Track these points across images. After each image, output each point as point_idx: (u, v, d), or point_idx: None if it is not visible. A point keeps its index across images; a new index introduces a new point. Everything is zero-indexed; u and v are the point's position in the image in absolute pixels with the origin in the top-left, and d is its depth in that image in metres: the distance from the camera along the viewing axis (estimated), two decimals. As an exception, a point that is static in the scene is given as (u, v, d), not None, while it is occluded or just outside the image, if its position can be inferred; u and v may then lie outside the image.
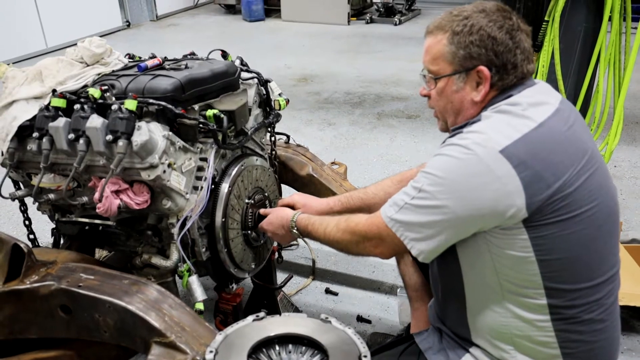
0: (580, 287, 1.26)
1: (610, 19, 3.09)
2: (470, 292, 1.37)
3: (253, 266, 2.03)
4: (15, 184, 1.88)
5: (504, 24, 1.27)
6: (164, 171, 1.62)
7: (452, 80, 1.32)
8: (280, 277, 2.44)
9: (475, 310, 1.37)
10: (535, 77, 1.48)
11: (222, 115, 1.77)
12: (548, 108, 1.27)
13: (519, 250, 1.23)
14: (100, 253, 2.15)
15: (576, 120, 1.31)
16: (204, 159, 1.79)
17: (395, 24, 8.40)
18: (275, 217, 1.73)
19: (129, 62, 1.96)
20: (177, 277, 1.82)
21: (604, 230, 1.27)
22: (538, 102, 1.28)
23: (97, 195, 1.60)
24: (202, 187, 1.75)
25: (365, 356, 1.10)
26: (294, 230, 1.63)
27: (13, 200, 1.83)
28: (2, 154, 1.75)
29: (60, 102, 1.66)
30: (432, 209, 1.24)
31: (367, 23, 8.55)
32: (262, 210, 1.79)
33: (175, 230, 1.71)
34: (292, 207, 1.84)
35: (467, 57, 1.28)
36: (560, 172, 1.19)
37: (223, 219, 1.82)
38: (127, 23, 8.54)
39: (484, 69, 1.27)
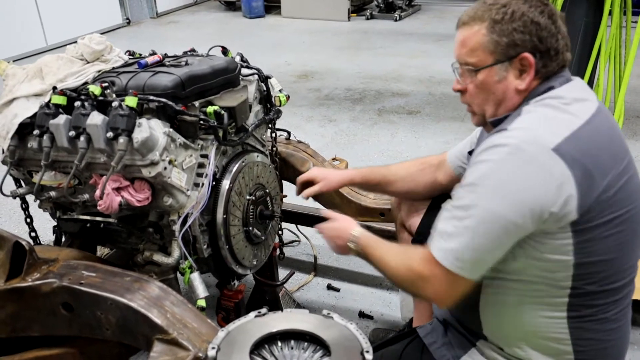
0: (605, 288, 1.24)
1: (610, 12, 3.09)
2: (487, 289, 1.34)
3: (254, 263, 2.03)
4: (17, 181, 1.88)
5: (544, 8, 1.24)
6: (165, 168, 1.62)
7: (494, 70, 1.26)
8: (282, 273, 2.44)
9: (489, 305, 1.34)
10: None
11: (222, 112, 1.77)
12: (591, 105, 1.24)
13: (559, 254, 1.19)
14: (101, 250, 2.15)
15: (615, 122, 1.29)
16: (205, 156, 1.78)
17: (396, 20, 8.38)
18: (339, 224, 1.57)
19: (129, 59, 1.96)
20: (178, 274, 1.82)
21: (637, 234, 1.25)
22: (581, 98, 1.25)
23: (98, 193, 1.60)
24: (203, 184, 1.75)
25: (367, 351, 1.10)
26: (352, 246, 1.48)
27: (14, 198, 1.83)
28: (3, 152, 1.75)
29: (61, 100, 1.66)
30: (488, 224, 1.16)
31: (368, 19, 8.53)
32: (325, 212, 1.65)
33: (176, 227, 1.71)
34: (312, 183, 1.82)
35: (511, 44, 1.23)
36: (605, 172, 1.16)
37: (224, 216, 1.82)
38: (127, 20, 8.53)
39: (528, 55, 1.22)
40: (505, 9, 1.23)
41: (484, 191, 1.17)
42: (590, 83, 3.28)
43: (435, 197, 1.81)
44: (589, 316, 1.26)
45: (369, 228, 2.49)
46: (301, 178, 1.86)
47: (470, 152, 1.56)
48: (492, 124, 1.32)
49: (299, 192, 1.91)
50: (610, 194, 1.16)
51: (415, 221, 1.85)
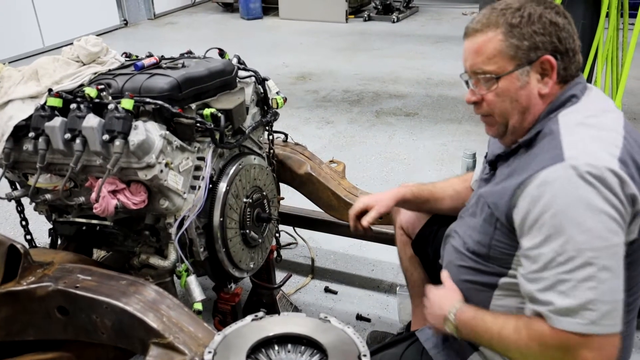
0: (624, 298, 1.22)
1: (607, 15, 3.09)
2: (496, 304, 1.31)
3: (251, 266, 2.02)
4: (12, 184, 1.87)
5: (558, 9, 1.21)
6: (161, 171, 1.61)
7: (515, 76, 1.21)
8: (279, 276, 2.43)
9: (498, 310, 1.31)
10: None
11: (219, 114, 1.76)
12: (617, 115, 1.22)
13: None
14: (98, 253, 2.14)
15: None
16: (202, 158, 1.78)
17: (393, 22, 8.38)
18: (445, 292, 1.40)
19: (126, 60, 1.95)
20: (175, 277, 1.81)
21: None
22: (606, 109, 1.23)
23: (94, 196, 1.59)
24: (199, 187, 1.74)
25: (364, 355, 1.09)
26: (450, 317, 1.30)
27: (9, 200, 1.82)
28: (-2, 154, 1.74)
29: (57, 102, 1.65)
30: (607, 262, 1.07)
31: (365, 21, 8.53)
32: (443, 277, 1.45)
33: (173, 230, 1.71)
34: (365, 212, 1.72)
35: (532, 47, 1.19)
36: None
37: (221, 219, 1.81)
38: (125, 22, 8.51)
39: (550, 57, 1.19)
40: (521, 12, 1.20)
41: (594, 234, 1.07)
42: (588, 85, 3.29)
43: None
44: None
45: (366, 230, 2.50)
46: (354, 210, 1.75)
47: (485, 157, 1.50)
48: (524, 144, 1.24)
49: (354, 227, 1.77)
50: None
51: (413, 223, 1.84)
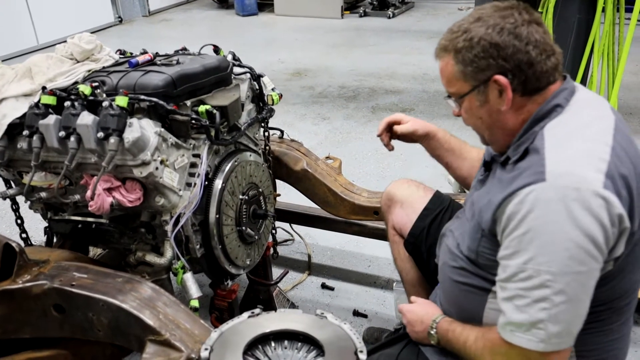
0: (614, 305, 1.24)
1: (603, 9, 3.09)
2: (490, 308, 1.31)
3: (248, 262, 2.02)
4: (6, 182, 1.86)
5: (503, 26, 1.19)
6: (157, 168, 1.61)
7: (472, 96, 1.25)
8: (276, 272, 2.43)
9: (493, 311, 1.30)
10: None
11: (214, 111, 1.76)
12: (606, 123, 1.20)
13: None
14: (94, 251, 2.13)
15: (628, 130, 1.24)
16: (197, 155, 1.77)
17: (389, 17, 8.37)
18: (421, 308, 1.49)
19: (120, 58, 1.94)
20: (171, 275, 1.81)
21: None
22: (594, 116, 1.21)
23: (89, 193, 1.58)
24: (195, 184, 1.74)
25: (361, 351, 1.09)
26: (432, 332, 1.39)
27: (4, 199, 1.82)
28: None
29: (51, 100, 1.65)
30: (578, 286, 1.09)
31: (361, 16, 8.51)
32: (412, 298, 1.57)
33: (168, 227, 1.70)
34: (398, 123, 1.75)
35: (477, 71, 1.21)
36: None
37: (217, 216, 1.81)
38: (119, 19, 8.48)
39: (499, 77, 1.19)
40: (466, 36, 1.21)
41: (556, 259, 1.08)
42: (584, 80, 3.29)
43: (429, 203, 1.81)
44: (594, 328, 1.24)
45: (362, 226, 2.50)
46: (389, 118, 1.77)
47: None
48: (513, 162, 1.22)
49: (381, 132, 1.80)
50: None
51: (405, 223, 1.83)
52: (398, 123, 1.77)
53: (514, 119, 1.24)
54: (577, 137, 1.16)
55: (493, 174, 1.32)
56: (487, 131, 1.30)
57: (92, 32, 1.88)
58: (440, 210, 1.79)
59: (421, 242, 1.78)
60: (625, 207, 1.09)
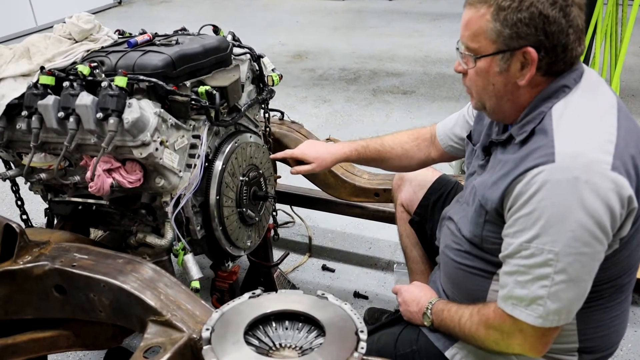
0: (617, 283, 1.24)
1: (607, -10, 3.06)
2: (494, 289, 1.31)
3: (249, 244, 2.02)
4: (6, 164, 1.85)
5: (557, 1, 1.11)
6: (156, 149, 1.60)
7: (494, 60, 1.17)
8: (277, 254, 2.44)
9: (496, 292, 1.30)
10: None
11: (214, 92, 1.74)
12: (611, 104, 1.18)
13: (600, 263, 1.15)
14: (95, 233, 2.13)
15: (629, 113, 1.23)
16: (197, 137, 1.76)
17: (390, -1, 8.30)
18: (419, 290, 1.52)
19: (119, 38, 1.92)
20: (172, 256, 1.81)
21: None
22: (600, 99, 1.19)
23: (89, 174, 1.58)
24: (195, 165, 1.73)
25: (362, 331, 1.09)
26: (427, 313, 1.43)
27: (4, 180, 1.81)
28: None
29: (49, 80, 1.63)
30: (579, 266, 1.10)
31: (362, -2, 8.44)
32: (413, 283, 1.59)
33: (169, 209, 1.70)
34: (302, 162, 1.80)
35: (514, 36, 1.13)
36: None
37: (217, 197, 1.81)
38: (119, 0, 8.40)
39: (531, 50, 1.12)
40: None
41: (560, 239, 1.08)
42: (586, 61, 3.26)
43: (434, 183, 1.83)
44: (598, 306, 1.25)
45: (363, 208, 2.50)
46: (294, 154, 1.82)
47: (469, 137, 1.51)
48: (519, 142, 1.20)
49: (284, 160, 1.90)
50: None
51: (412, 200, 1.87)
52: (299, 159, 1.80)
53: (526, 95, 1.21)
54: (585, 119, 1.15)
55: (494, 157, 1.31)
56: (493, 99, 1.24)
57: (91, 14, 1.86)
58: (445, 190, 1.80)
59: (426, 221, 1.80)
60: (633, 187, 1.09)
